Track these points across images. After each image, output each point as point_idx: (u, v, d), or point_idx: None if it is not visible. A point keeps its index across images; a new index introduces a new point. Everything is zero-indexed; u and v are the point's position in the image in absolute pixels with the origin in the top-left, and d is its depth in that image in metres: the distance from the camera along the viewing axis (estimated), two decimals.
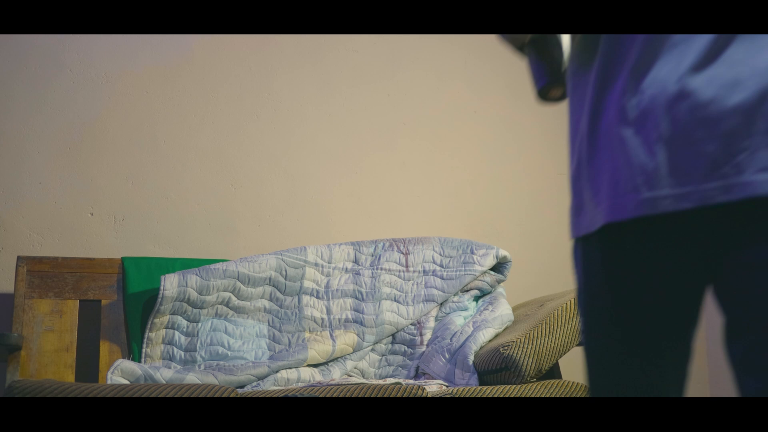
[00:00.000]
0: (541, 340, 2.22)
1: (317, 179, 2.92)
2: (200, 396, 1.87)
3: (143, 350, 2.39)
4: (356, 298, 2.60)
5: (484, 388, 2.09)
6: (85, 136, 2.71)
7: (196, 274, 2.43)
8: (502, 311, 2.54)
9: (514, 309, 2.58)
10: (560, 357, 2.28)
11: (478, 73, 3.15)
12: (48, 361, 2.33)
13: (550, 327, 2.25)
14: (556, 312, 2.29)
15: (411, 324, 2.57)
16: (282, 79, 2.93)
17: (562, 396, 2.18)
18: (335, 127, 2.97)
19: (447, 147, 3.04)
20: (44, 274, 2.43)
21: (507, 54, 3.19)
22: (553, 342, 2.23)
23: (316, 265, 2.59)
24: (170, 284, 2.40)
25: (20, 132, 2.66)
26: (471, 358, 2.28)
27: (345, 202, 2.94)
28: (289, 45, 2.94)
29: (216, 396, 1.88)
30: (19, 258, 2.44)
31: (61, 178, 2.67)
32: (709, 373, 3.26)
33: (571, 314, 2.29)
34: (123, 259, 2.52)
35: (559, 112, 3.23)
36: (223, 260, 2.62)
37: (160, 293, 2.39)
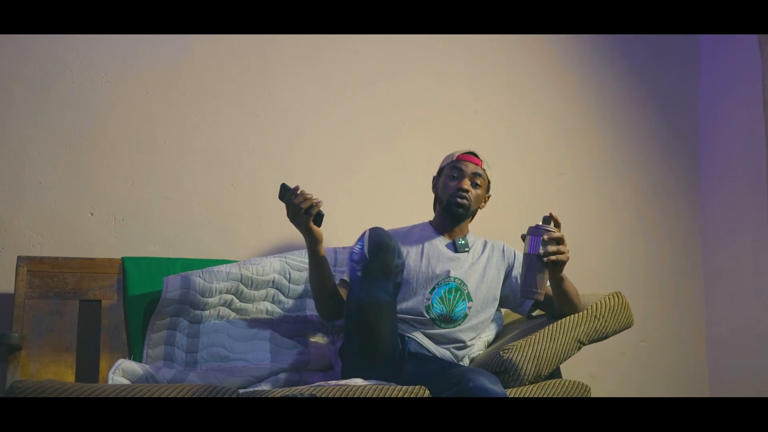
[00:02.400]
0: (541, 345, 2.21)
1: (317, 179, 2.91)
2: (201, 396, 1.87)
3: (145, 351, 2.38)
4: None
5: None
6: (85, 136, 2.71)
7: (199, 276, 2.42)
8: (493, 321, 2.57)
9: None
10: (561, 363, 2.27)
11: (478, 73, 3.15)
12: (48, 361, 2.32)
13: (551, 334, 2.25)
14: (559, 321, 2.29)
15: None
16: (282, 79, 2.93)
17: (562, 396, 2.18)
18: (335, 127, 2.96)
19: (447, 147, 3.03)
20: (44, 274, 2.43)
21: (507, 54, 3.19)
22: (554, 348, 2.22)
23: None
24: (173, 286, 2.39)
25: (20, 132, 2.66)
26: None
27: (345, 202, 2.94)
28: (289, 45, 2.94)
29: (217, 396, 1.87)
30: (19, 258, 2.44)
31: (61, 178, 2.67)
32: (709, 373, 3.26)
33: (575, 323, 2.29)
34: (123, 259, 2.52)
35: (560, 112, 3.23)
36: (223, 260, 2.62)
37: (163, 295, 2.38)
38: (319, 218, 2.25)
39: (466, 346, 2.40)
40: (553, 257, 2.07)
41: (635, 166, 3.28)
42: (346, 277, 2.39)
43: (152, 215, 2.73)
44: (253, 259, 2.54)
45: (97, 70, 2.75)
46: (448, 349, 2.36)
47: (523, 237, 2.11)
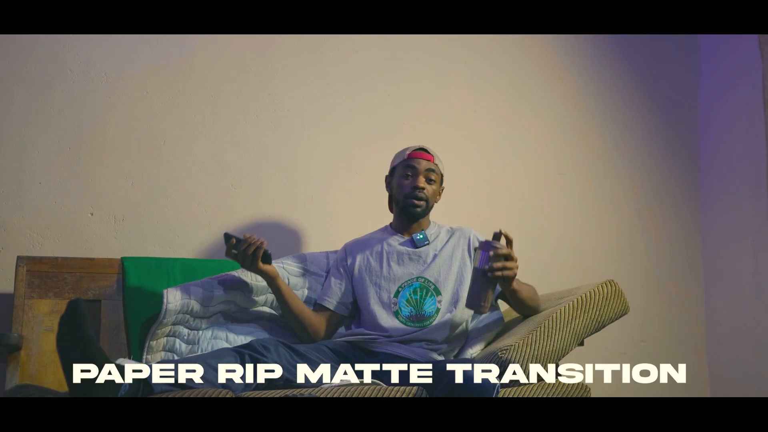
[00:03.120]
0: (539, 344, 2.21)
1: (317, 179, 2.92)
2: (201, 396, 1.87)
3: (144, 357, 2.37)
4: None
5: None
6: (85, 136, 2.72)
7: (199, 286, 2.40)
8: (491, 318, 2.53)
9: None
10: (560, 359, 2.27)
11: (478, 73, 3.15)
12: (48, 361, 2.33)
13: (548, 330, 2.24)
14: (555, 315, 2.28)
15: None
16: (282, 79, 2.93)
17: (562, 396, 2.18)
18: (335, 127, 2.97)
19: (447, 147, 3.04)
20: (44, 274, 2.43)
21: (507, 54, 3.19)
22: (551, 345, 2.22)
23: (315, 274, 2.58)
24: (173, 298, 2.33)
25: (20, 132, 2.66)
26: None
27: (345, 202, 2.94)
28: (289, 45, 2.94)
29: (217, 396, 1.88)
30: (19, 258, 2.44)
31: (61, 178, 2.68)
32: (709, 373, 3.26)
33: (570, 317, 2.28)
34: (123, 259, 2.52)
35: (560, 112, 3.23)
36: (223, 261, 2.61)
37: (163, 307, 2.32)
38: (267, 257, 2.31)
39: (448, 342, 2.39)
40: (498, 273, 2.13)
41: (635, 166, 3.28)
42: (326, 304, 2.46)
43: (152, 215, 2.74)
44: None
45: (97, 70, 2.75)
46: (420, 346, 2.34)
47: (476, 250, 2.19)
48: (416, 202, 2.44)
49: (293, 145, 2.91)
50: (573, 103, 3.24)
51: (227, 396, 1.88)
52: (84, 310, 1.86)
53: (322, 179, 2.92)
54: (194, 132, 2.82)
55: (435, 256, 2.46)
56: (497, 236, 2.16)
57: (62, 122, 2.69)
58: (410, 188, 2.44)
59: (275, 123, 2.90)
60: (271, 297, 2.52)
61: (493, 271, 2.12)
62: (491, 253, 2.12)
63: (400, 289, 2.41)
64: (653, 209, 3.29)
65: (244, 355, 2.07)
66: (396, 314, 2.38)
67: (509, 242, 2.17)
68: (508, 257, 2.15)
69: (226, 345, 2.42)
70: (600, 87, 3.27)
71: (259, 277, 2.46)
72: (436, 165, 2.50)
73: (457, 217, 2.69)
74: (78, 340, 1.84)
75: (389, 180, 2.55)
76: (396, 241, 2.50)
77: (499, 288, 2.39)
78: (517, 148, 3.16)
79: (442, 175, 2.53)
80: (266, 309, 2.52)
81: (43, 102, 2.68)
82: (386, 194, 2.96)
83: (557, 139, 3.21)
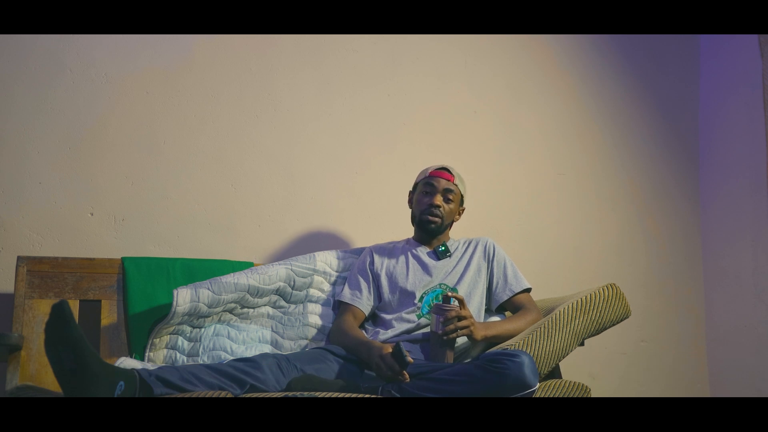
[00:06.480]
0: (540, 344, 2.21)
1: (317, 179, 2.92)
2: (201, 396, 1.87)
3: (146, 354, 2.38)
4: None
5: None
6: (86, 136, 2.71)
7: (208, 288, 2.39)
8: (495, 319, 2.55)
9: None
10: (560, 360, 2.27)
11: (478, 73, 3.15)
12: (48, 362, 2.32)
13: (548, 331, 2.25)
14: (555, 316, 2.29)
15: None
16: (282, 79, 2.93)
17: (562, 396, 2.18)
18: (335, 127, 2.97)
19: (447, 147, 3.04)
20: (44, 274, 2.43)
21: (507, 54, 3.19)
22: (552, 346, 2.22)
23: (324, 273, 2.59)
24: (183, 300, 2.34)
25: (20, 132, 2.66)
26: None
27: (345, 202, 2.94)
28: (289, 45, 2.94)
29: (217, 396, 1.88)
30: (19, 258, 2.44)
31: (61, 178, 2.67)
32: (709, 373, 3.26)
33: (570, 317, 2.28)
34: (123, 259, 2.52)
35: (560, 112, 3.23)
36: (223, 260, 2.62)
37: (173, 309, 2.32)
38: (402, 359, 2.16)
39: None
40: (452, 335, 2.24)
41: (635, 166, 3.29)
42: (358, 305, 2.51)
43: (152, 215, 2.74)
44: (259, 268, 2.51)
45: (97, 70, 2.75)
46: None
47: (432, 314, 2.30)
48: (431, 218, 2.54)
49: (293, 145, 2.91)
50: (573, 103, 3.24)
51: (228, 396, 1.88)
52: (70, 311, 1.82)
53: (322, 179, 2.92)
54: (194, 132, 2.82)
55: (455, 266, 2.55)
56: (447, 299, 2.29)
57: (62, 122, 2.69)
58: (427, 205, 2.54)
59: (275, 123, 2.90)
60: (274, 297, 2.52)
61: (447, 334, 2.24)
62: (442, 318, 2.25)
63: (423, 294, 2.49)
64: (653, 209, 3.30)
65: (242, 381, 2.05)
66: (418, 317, 2.46)
67: (460, 302, 2.28)
68: (460, 318, 2.26)
69: (227, 342, 2.43)
70: (600, 87, 3.27)
71: (266, 279, 2.48)
72: (456, 185, 2.58)
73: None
74: (70, 343, 1.81)
75: (411, 195, 2.65)
76: (419, 251, 2.60)
77: (497, 300, 2.54)
78: (517, 148, 3.16)
79: (462, 196, 2.61)
80: (269, 308, 2.52)
81: (43, 102, 2.68)
82: (388, 194, 2.98)
83: (557, 139, 3.21)
